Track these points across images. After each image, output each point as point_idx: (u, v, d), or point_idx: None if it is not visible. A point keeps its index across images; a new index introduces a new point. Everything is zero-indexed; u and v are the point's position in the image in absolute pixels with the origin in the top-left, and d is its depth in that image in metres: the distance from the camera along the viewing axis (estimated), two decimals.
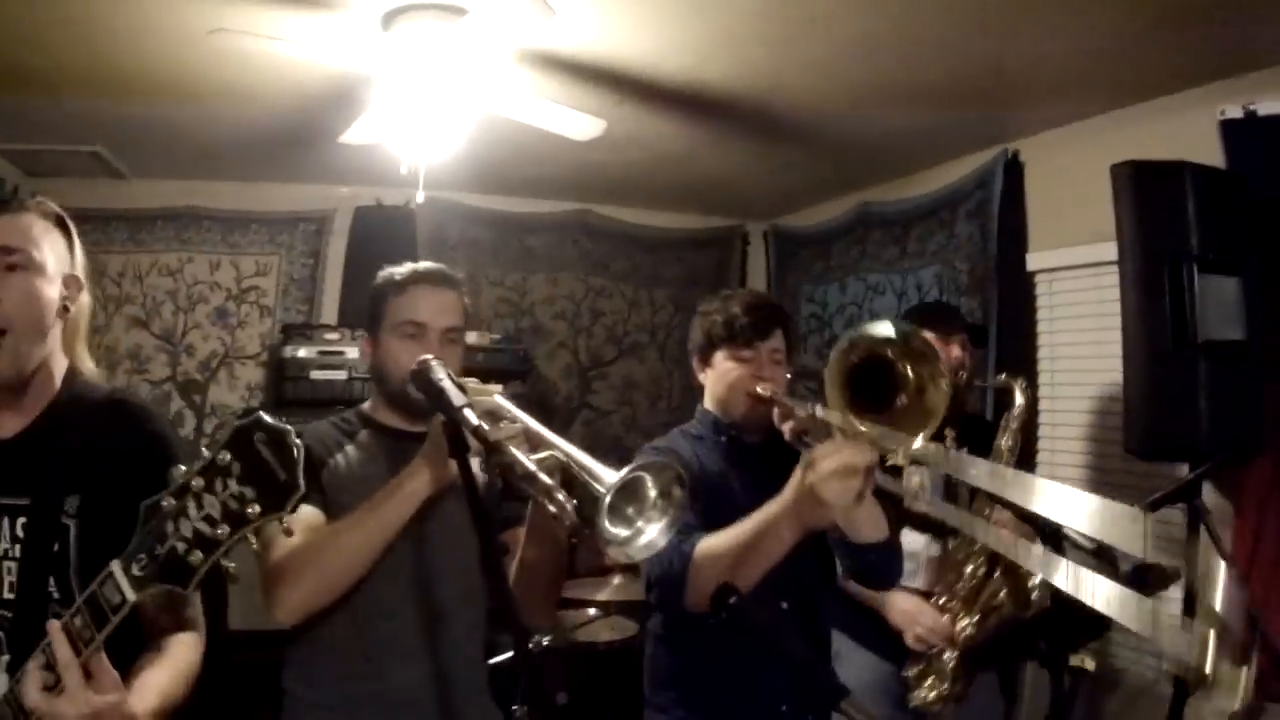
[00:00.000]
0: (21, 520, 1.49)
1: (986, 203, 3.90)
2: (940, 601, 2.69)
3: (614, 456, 4.29)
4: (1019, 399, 2.89)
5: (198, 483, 1.16)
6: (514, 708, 2.73)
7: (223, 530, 1.16)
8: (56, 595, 1.47)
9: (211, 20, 2.68)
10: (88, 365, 1.70)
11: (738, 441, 2.16)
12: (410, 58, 2.74)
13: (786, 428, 1.92)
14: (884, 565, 1.98)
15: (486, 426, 1.49)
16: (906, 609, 2.67)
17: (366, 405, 2.02)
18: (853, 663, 2.79)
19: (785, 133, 3.83)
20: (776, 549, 1.78)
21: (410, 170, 3.07)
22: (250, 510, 1.15)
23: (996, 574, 2.66)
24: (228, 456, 1.15)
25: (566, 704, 3.43)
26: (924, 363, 1.73)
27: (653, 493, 1.47)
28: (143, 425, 1.63)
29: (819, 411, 1.82)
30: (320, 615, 1.73)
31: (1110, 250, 2.65)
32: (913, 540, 2.76)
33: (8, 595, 1.47)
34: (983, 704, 2.80)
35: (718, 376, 2.16)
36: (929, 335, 2.79)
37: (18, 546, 1.48)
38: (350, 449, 1.93)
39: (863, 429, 1.68)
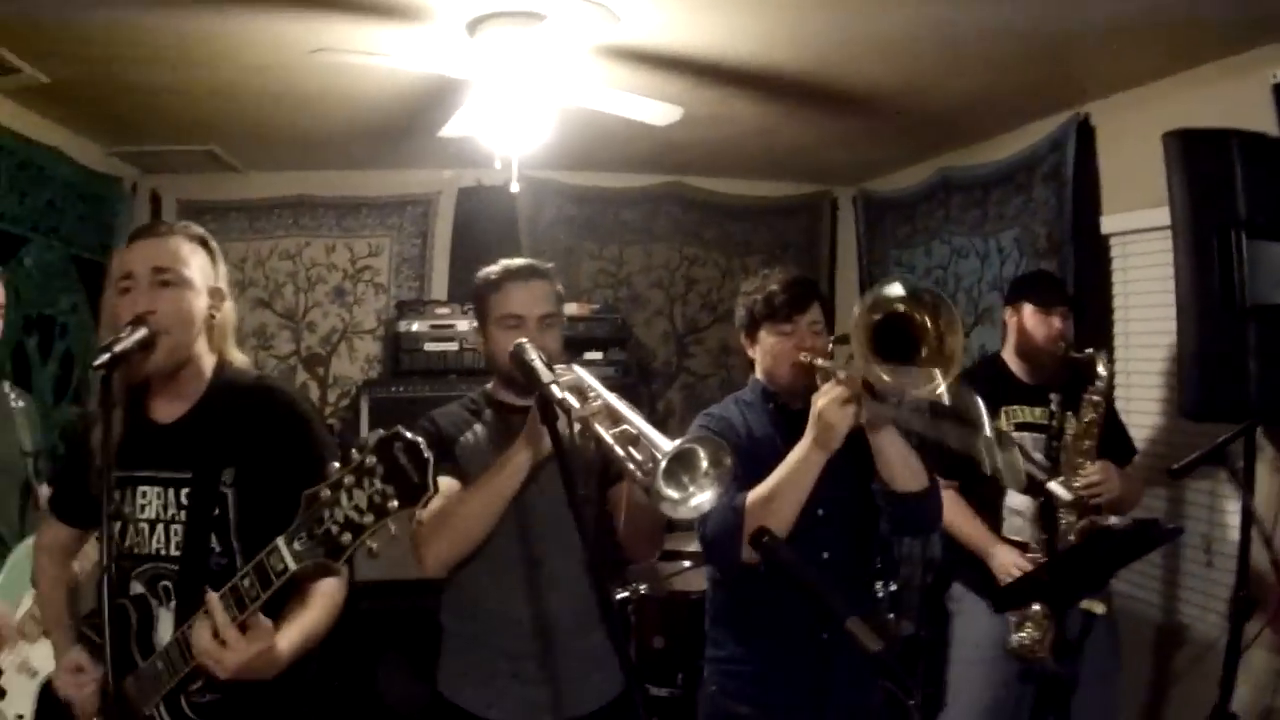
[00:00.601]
0: (185, 490, 1.81)
1: (1061, 166, 3.95)
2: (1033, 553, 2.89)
3: None
4: (1101, 371, 2.97)
5: (349, 479, 1.44)
6: None
7: (368, 518, 1.43)
8: (218, 549, 1.79)
9: (311, 39, 2.99)
10: (238, 358, 2.00)
11: (784, 408, 2.36)
12: (495, 59, 2.96)
13: (825, 387, 2.12)
14: (920, 513, 2.21)
15: (572, 399, 1.78)
16: (1004, 560, 2.89)
17: (489, 386, 2.34)
18: (967, 609, 3.02)
19: (859, 105, 3.93)
20: (807, 477, 2.07)
21: (504, 162, 3.30)
22: (390, 504, 1.42)
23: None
24: (374, 460, 1.43)
25: (663, 647, 3.71)
26: (938, 313, 1.94)
27: (704, 463, 1.73)
28: (286, 405, 1.94)
29: (853, 370, 2.02)
30: (460, 565, 2.09)
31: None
32: (1018, 500, 2.99)
33: (175, 552, 1.81)
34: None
35: (764, 350, 2.36)
36: (1030, 307, 3.07)
37: (183, 512, 1.80)
38: (478, 426, 2.27)
39: (886, 378, 1.91)
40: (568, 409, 1.76)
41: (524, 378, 1.95)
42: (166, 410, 1.87)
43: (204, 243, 1.94)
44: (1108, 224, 3.78)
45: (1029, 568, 2.81)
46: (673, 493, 1.69)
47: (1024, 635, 2.85)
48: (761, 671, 2.30)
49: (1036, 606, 2.82)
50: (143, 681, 1.71)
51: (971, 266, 4.67)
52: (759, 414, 2.38)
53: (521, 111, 3.05)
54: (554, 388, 1.79)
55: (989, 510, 3.04)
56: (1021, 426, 3.07)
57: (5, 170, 3.81)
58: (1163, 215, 3.20)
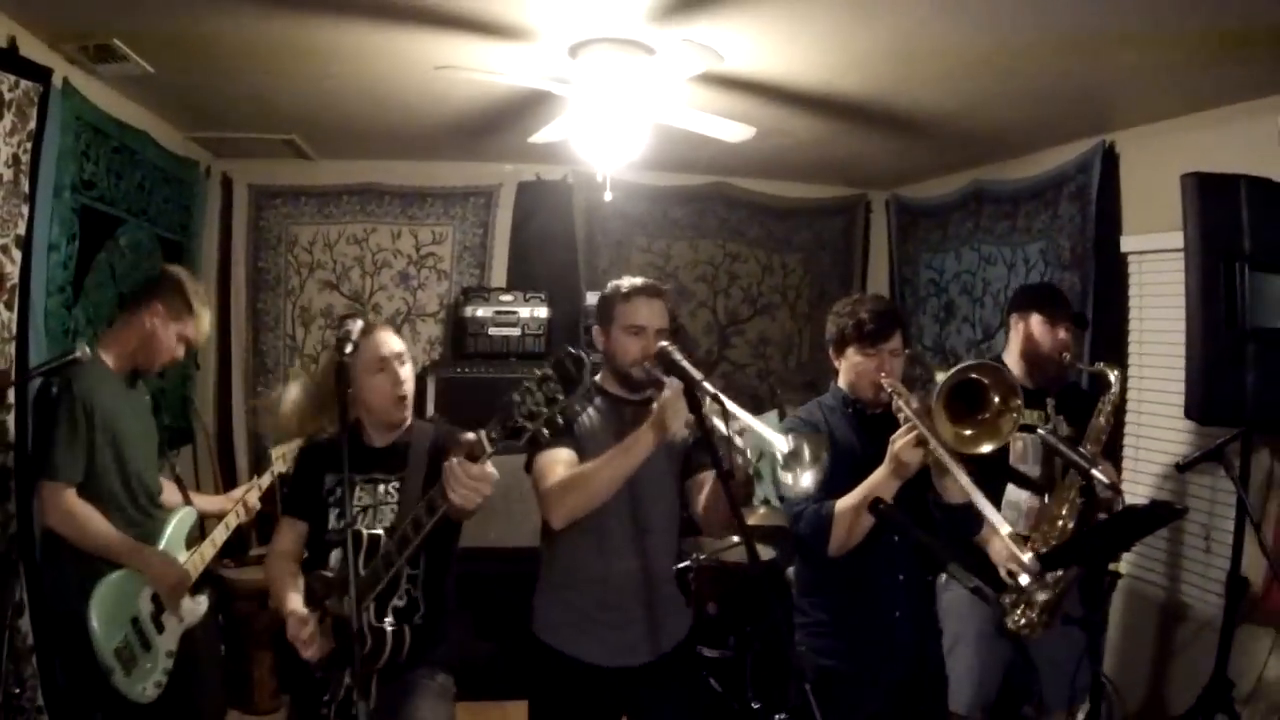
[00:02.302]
0: (395, 485, 2.60)
1: (1086, 187, 4.31)
2: (1032, 545, 3.19)
3: (749, 406, 5.07)
4: (1114, 384, 3.28)
5: (531, 385, 1.92)
6: None
7: (544, 410, 1.92)
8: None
9: (427, 54, 3.35)
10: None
11: (861, 413, 2.82)
12: (595, 80, 3.30)
13: (900, 417, 2.56)
14: (964, 521, 2.64)
15: (723, 397, 2.21)
16: (1004, 549, 3.11)
17: (598, 378, 2.75)
18: (957, 586, 3.40)
19: (907, 124, 4.29)
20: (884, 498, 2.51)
21: (602, 177, 3.71)
22: (560, 396, 1.91)
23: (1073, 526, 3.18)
24: (549, 369, 1.91)
25: (716, 614, 4.13)
26: (1008, 395, 2.48)
27: (808, 454, 2.19)
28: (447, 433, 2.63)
29: (919, 410, 2.53)
30: (568, 527, 2.50)
31: None
32: (1016, 494, 3.34)
33: (389, 524, 2.53)
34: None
35: (849, 366, 2.81)
36: (1038, 317, 3.40)
37: (395, 495, 2.58)
38: (591, 410, 2.69)
39: (941, 431, 2.44)
40: (720, 402, 2.18)
41: (673, 373, 2.36)
42: (380, 439, 2.71)
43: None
44: (1127, 243, 4.16)
45: (1022, 558, 3.16)
46: (786, 477, 2.15)
47: (1019, 616, 3.17)
48: (841, 634, 2.75)
49: (1042, 596, 3.15)
50: (360, 586, 2.28)
51: (999, 273, 5.03)
52: (840, 418, 2.82)
53: (615, 127, 3.40)
54: (706, 384, 2.23)
55: (995, 501, 3.35)
56: (1020, 428, 3.41)
57: (104, 154, 3.99)
58: (1177, 239, 3.57)
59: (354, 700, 2.20)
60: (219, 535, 3.37)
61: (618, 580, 2.64)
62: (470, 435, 2.06)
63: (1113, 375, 3.30)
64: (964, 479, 2.41)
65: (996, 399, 2.50)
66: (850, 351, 2.78)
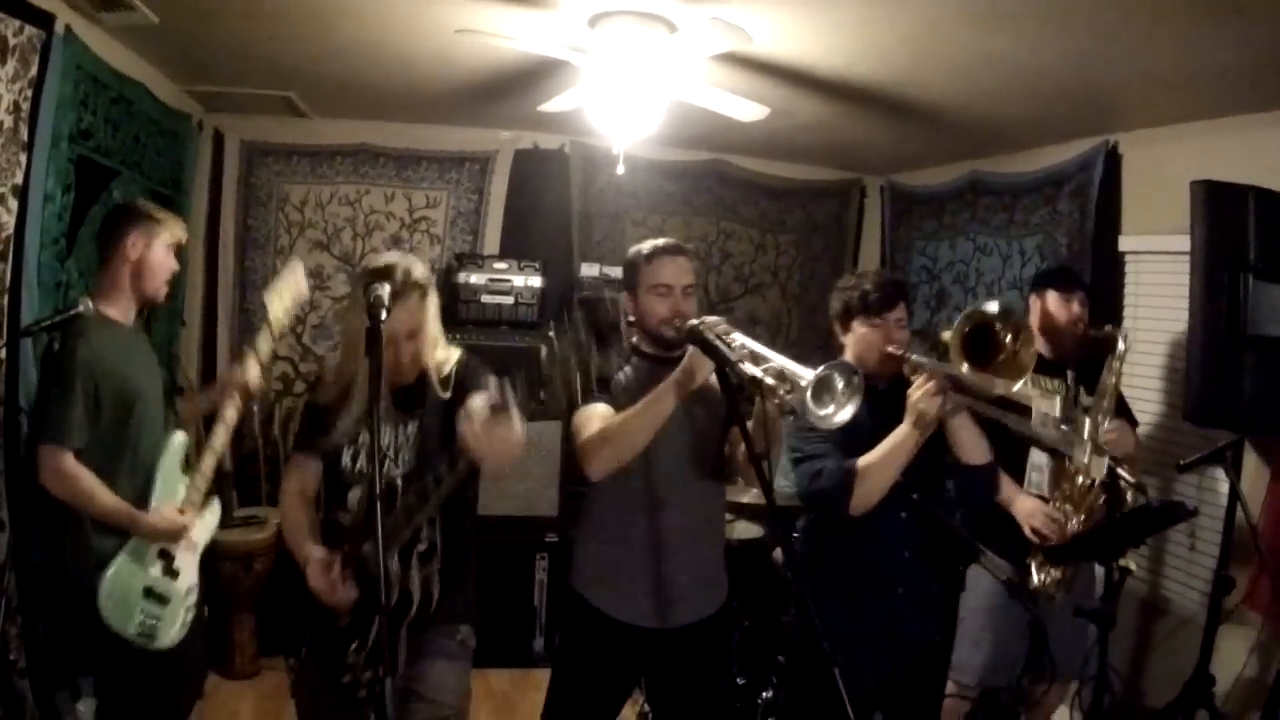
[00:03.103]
0: (413, 426, 2.49)
1: (1087, 186, 4.35)
2: (1055, 504, 3.28)
3: None
4: (1121, 345, 3.32)
5: (558, 353, 1.99)
6: None
7: (571, 359, 1.96)
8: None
9: (446, 17, 3.30)
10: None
11: (871, 388, 2.78)
12: (613, 52, 3.27)
13: (914, 376, 2.61)
14: (985, 482, 2.70)
15: (758, 374, 2.19)
16: (1028, 507, 3.28)
17: (634, 339, 2.78)
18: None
19: (913, 111, 4.30)
20: (904, 455, 2.58)
21: (617, 153, 3.71)
22: (587, 343, 1.96)
23: (1097, 485, 3.21)
24: (580, 325, 1.95)
25: None
26: (1018, 332, 2.52)
27: (840, 384, 2.17)
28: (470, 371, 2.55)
29: (937, 364, 2.57)
30: (617, 475, 2.52)
31: (1190, 243, 3.15)
32: (1038, 457, 3.41)
33: (409, 467, 2.46)
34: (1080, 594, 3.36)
35: (856, 339, 2.85)
36: (1054, 293, 3.52)
37: (412, 438, 2.49)
38: (627, 369, 2.72)
39: (966, 372, 2.47)
40: (755, 383, 2.17)
41: (706, 354, 2.34)
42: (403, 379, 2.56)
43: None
44: (1125, 243, 4.21)
45: (1053, 514, 3.22)
46: (820, 410, 2.14)
47: (1044, 576, 3.24)
48: (843, 608, 2.73)
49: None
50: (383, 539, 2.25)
51: (993, 264, 5.08)
52: None
53: (631, 101, 3.38)
54: (741, 366, 2.21)
55: (1015, 468, 3.38)
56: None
57: (102, 104, 3.90)
58: (1175, 242, 3.63)
59: (383, 653, 2.16)
60: (217, 440, 3.13)
61: (637, 539, 2.66)
62: (497, 381, 2.01)
63: (1120, 339, 3.36)
64: (972, 425, 2.52)
65: (1009, 338, 2.55)
66: (856, 324, 2.83)
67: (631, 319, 2.76)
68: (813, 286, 6.41)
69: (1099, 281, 4.25)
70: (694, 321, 2.44)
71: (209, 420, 3.21)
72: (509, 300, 5.30)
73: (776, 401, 2.13)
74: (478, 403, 2.04)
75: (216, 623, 4.57)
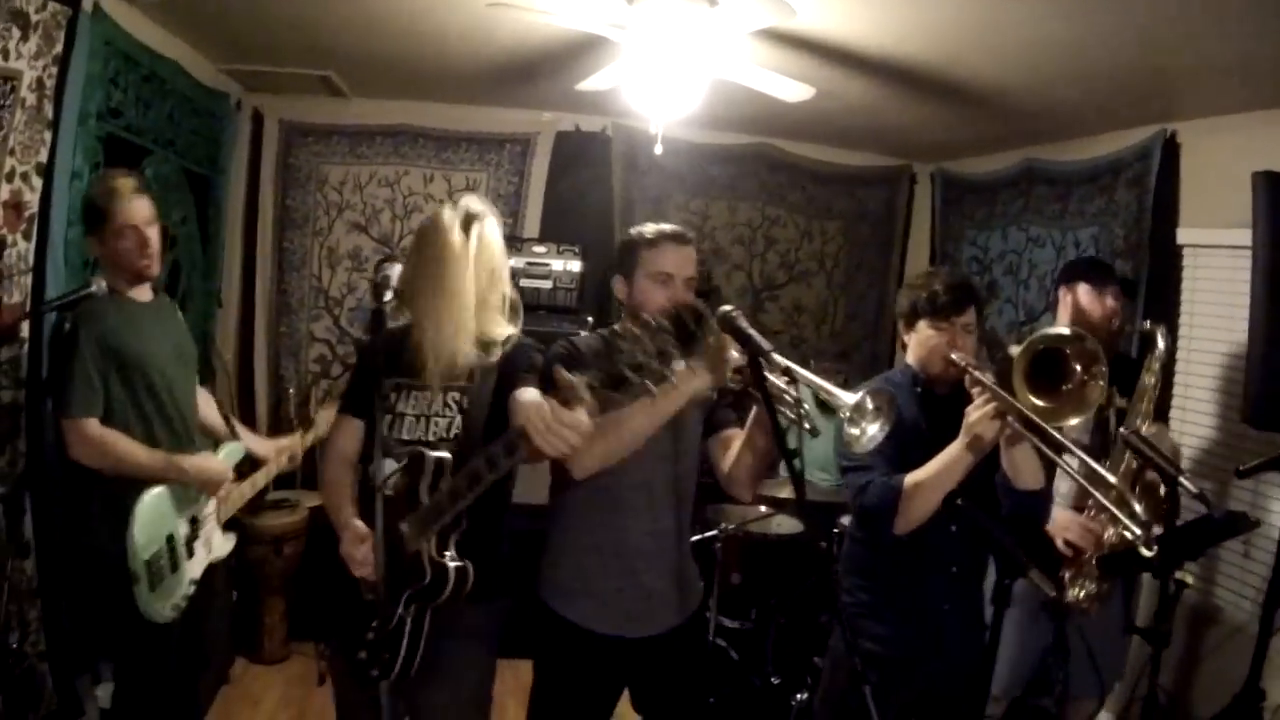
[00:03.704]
0: (455, 395, 2.39)
1: (1145, 176, 4.17)
2: (1090, 515, 3.13)
3: None
4: (1160, 343, 3.21)
5: (640, 333, 1.80)
6: None
7: (652, 361, 1.78)
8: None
9: None
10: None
11: (930, 393, 2.70)
12: (652, 28, 3.14)
13: (974, 391, 2.44)
14: (1035, 508, 2.55)
15: (794, 366, 2.12)
16: (1060, 519, 3.11)
17: (618, 327, 2.56)
18: None
19: (965, 96, 4.15)
20: (956, 475, 2.42)
21: (656, 130, 3.55)
22: (672, 350, 1.80)
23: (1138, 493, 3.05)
24: (664, 321, 1.81)
25: (739, 584, 4.06)
26: (1091, 362, 2.34)
27: (872, 407, 2.10)
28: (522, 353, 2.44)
29: (998, 390, 2.39)
30: (582, 487, 2.38)
31: (1251, 237, 3.00)
32: (1063, 486, 3.19)
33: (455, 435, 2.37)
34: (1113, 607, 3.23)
35: (920, 341, 2.69)
36: (1085, 286, 3.32)
37: (456, 407, 2.39)
38: None
39: (1029, 412, 2.31)
40: (790, 374, 2.11)
41: (738, 340, 2.17)
42: None
43: None
44: (1183, 235, 4.02)
45: (1088, 525, 3.07)
46: (854, 430, 2.06)
47: (1079, 591, 3.09)
48: (886, 619, 2.66)
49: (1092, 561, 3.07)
50: (422, 518, 2.22)
51: (1047, 256, 4.90)
52: (906, 396, 2.68)
53: (670, 79, 3.26)
54: (775, 356, 2.12)
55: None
56: None
57: (133, 82, 3.89)
58: (1236, 235, 3.48)
59: (401, 637, 2.21)
60: (260, 479, 3.34)
61: (629, 545, 2.51)
62: (568, 377, 1.90)
63: (1160, 335, 3.23)
64: (1031, 452, 2.35)
65: (1079, 367, 2.38)
66: (922, 325, 2.67)
67: (622, 303, 2.59)
68: (859, 275, 6.28)
69: (1156, 276, 4.11)
70: (727, 308, 2.24)
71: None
72: (547, 284, 5.23)
73: (807, 427, 2.10)
74: (529, 395, 2.04)
75: (246, 606, 4.57)
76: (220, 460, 3.14)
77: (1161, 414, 3.67)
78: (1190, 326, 4.00)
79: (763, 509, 4.15)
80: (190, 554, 3.05)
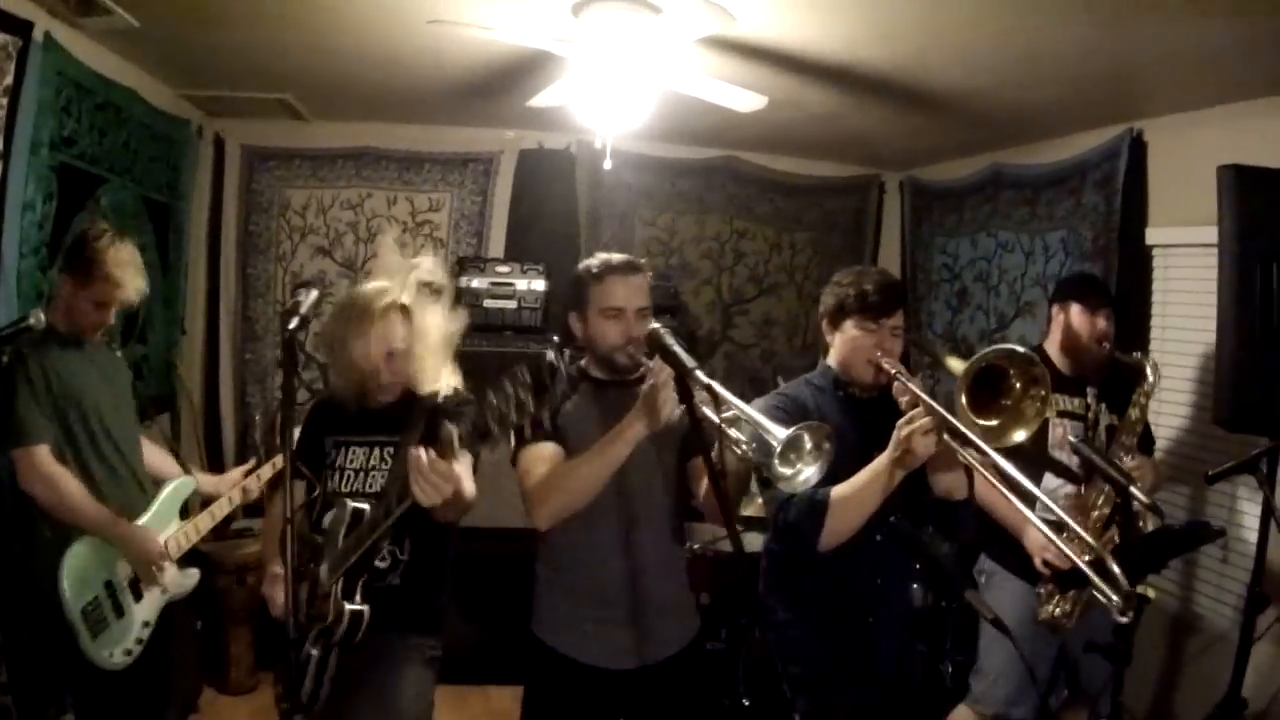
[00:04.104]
0: (390, 449, 2.52)
1: (1112, 176, 4.12)
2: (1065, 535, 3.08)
3: (751, 388, 4.89)
4: (1149, 376, 3.17)
5: (507, 386, 1.89)
6: None
7: (512, 415, 1.88)
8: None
9: (423, 8, 3.15)
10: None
11: (853, 396, 2.59)
12: (597, 40, 3.10)
13: (903, 401, 2.35)
14: (964, 517, 2.43)
15: (716, 385, 2.02)
16: (1038, 539, 3.02)
17: (583, 363, 2.56)
18: (996, 581, 3.27)
19: (927, 101, 4.10)
20: (883, 489, 2.31)
21: (602, 143, 3.51)
22: (529, 402, 1.88)
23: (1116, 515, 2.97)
24: (527, 377, 1.87)
25: (709, 604, 3.97)
26: (1033, 381, 2.25)
27: (809, 445, 1.99)
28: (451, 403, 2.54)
29: (927, 399, 2.30)
30: (564, 521, 2.33)
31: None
32: (1051, 482, 3.20)
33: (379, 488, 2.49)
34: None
35: (845, 340, 2.57)
36: (1077, 306, 3.27)
37: (389, 461, 2.52)
38: (575, 397, 2.49)
39: (968, 430, 2.21)
40: (715, 395, 2.00)
41: (664, 359, 2.13)
42: (380, 400, 2.58)
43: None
44: (1152, 235, 3.98)
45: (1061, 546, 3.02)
46: (785, 470, 1.96)
47: (1054, 608, 3.05)
48: (811, 637, 2.55)
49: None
50: (334, 562, 2.35)
51: (1016, 261, 4.85)
52: (829, 399, 2.59)
53: (618, 91, 3.21)
54: (699, 373, 2.03)
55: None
56: (1061, 414, 3.27)
57: (86, 110, 3.84)
58: (1205, 233, 3.38)
59: (299, 680, 2.34)
60: (218, 510, 3.28)
61: (610, 578, 2.45)
62: (448, 429, 2.00)
63: (1149, 366, 3.19)
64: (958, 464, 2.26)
65: (1019, 385, 2.28)
66: (848, 325, 2.54)
67: (579, 341, 2.54)
68: None
69: (1126, 277, 4.05)
70: (655, 325, 2.21)
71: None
72: (512, 304, 5.15)
73: (738, 453, 2.04)
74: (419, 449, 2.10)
75: (212, 636, 4.48)
76: (159, 543, 3.03)
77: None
78: (1163, 329, 3.96)
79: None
80: (138, 597, 2.98)
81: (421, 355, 2.53)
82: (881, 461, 2.29)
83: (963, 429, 2.20)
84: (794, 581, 2.63)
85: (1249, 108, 3.51)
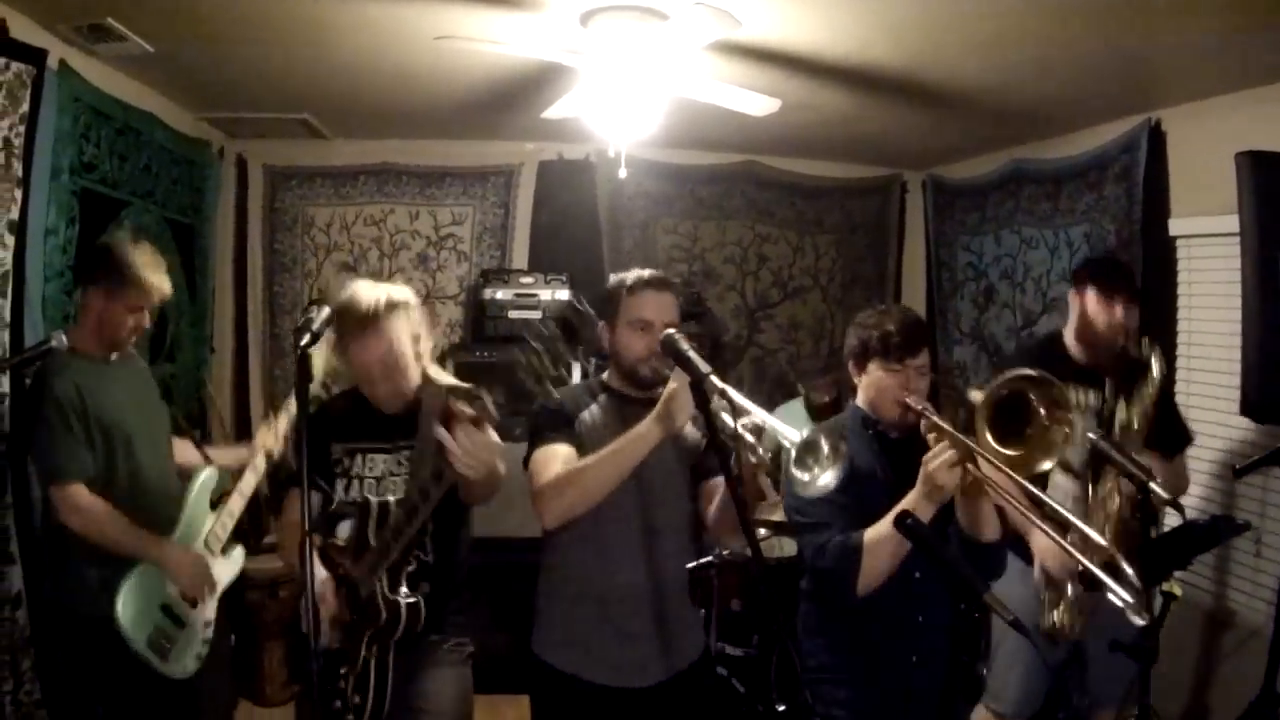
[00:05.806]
0: (405, 454, 2.49)
1: (1132, 168, 4.08)
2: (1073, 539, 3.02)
3: (779, 392, 4.83)
4: (1155, 369, 2.94)
5: (535, 344, 2.01)
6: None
7: (549, 368, 1.99)
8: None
9: (431, 24, 3.19)
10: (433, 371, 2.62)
11: (883, 436, 2.54)
12: (607, 50, 3.12)
13: (930, 437, 2.29)
14: (997, 559, 2.41)
15: (730, 390, 2.03)
16: (1044, 544, 2.97)
17: (605, 375, 2.57)
18: (1010, 577, 3.21)
19: (944, 99, 4.08)
20: None
21: (615, 152, 3.52)
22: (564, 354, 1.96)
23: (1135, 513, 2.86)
24: (554, 329, 1.96)
25: (740, 610, 3.96)
26: (1056, 405, 2.19)
27: (826, 449, 1.98)
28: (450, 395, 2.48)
29: (957, 434, 2.25)
30: (570, 525, 2.32)
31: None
32: (1062, 482, 3.09)
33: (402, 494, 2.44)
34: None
35: (871, 382, 2.52)
36: (1094, 292, 3.12)
37: (406, 466, 2.48)
38: (594, 407, 2.50)
39: (982, 452, 2.17)
40: (731, 400, 2.01)
41: (678, 363, 2.16)
42: (390, 406, 2.54)
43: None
44: (1175, 226, 3.92)
45: (1070, 559, 2.95)
46: (802, 474, 1.95)
47: (1057, 618, 2.98)
48: (849, 676, 2.49)
49: (1071, 591, 2.96)
50: (371, 560, 2.34)
51: (1041, 257, 4.81)
52: (859, 440, 2.52)
53: (629, 100, 3.22)
54: (714, 379, 2.05)
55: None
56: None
57: (106, 136, 3.88)
58: (1229, 222, 3.32)
59: (370, 678, 2.31)
60: (246, 485, 3.21)
61: (621, 592, 2.44)
62: (477, 392, 2.01)
63: (1154, 361, 2.98)
64: (989, 503, 2.22)
65: (1043, 410, 2.21)
66: (873, 366, 2.50)
67: (606, 352, 2.56)
68: (856, 288, 6.21)
69: (1150, 269, 4.00)
70: (670, 331, 2.23)
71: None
72: (537, 315, 5.17)
73: (754, 460, 2.01)
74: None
75: (245, 650, 4.52)
76: (200, 557, 3.05)
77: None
78: (1189, 320, 3.90)
79: (762, 531, 4.05)
80: (194, 603, 3.01)
81: (412, 364, 2.51)
82: (910, 498, 2.24)
83: (988, 457, 2.17)
84: (831, 625, 2.56)
85: (1270, 92, 3.46)
